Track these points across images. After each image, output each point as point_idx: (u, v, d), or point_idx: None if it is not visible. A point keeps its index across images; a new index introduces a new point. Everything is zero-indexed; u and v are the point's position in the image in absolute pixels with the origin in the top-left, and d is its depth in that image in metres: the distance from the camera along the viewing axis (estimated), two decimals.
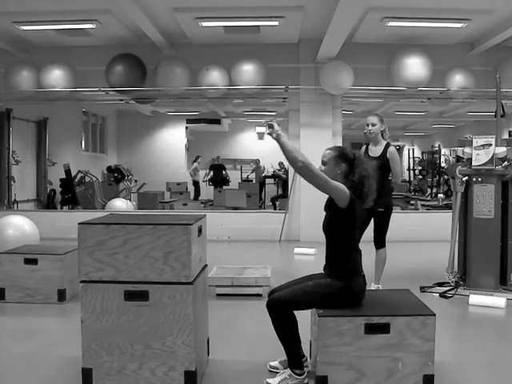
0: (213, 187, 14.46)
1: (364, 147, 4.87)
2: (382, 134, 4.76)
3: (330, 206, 2.90)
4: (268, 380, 2.85)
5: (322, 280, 2.91)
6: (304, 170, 2.67)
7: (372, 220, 4.71)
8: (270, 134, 2.72)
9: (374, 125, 4.71)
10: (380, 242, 4.76)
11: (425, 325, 2.72)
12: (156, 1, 6.45)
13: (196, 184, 15.04)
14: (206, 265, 3.18)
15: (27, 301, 4.56)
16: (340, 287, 2.82)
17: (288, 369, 2.86)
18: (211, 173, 15.40)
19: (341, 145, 5.89)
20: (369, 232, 4.63)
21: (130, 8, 6.33)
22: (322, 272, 3.03)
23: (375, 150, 4.71)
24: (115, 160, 15.41)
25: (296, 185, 8.47)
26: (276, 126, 2.70)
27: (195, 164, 15.28)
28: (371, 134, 4.73)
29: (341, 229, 2.88)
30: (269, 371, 3.04)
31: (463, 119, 15.35)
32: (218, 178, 15.13)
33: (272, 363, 3.08)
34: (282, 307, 2.79)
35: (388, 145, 4.73)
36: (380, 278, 4.81)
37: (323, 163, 2.94)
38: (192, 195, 14.28)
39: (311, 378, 2.85)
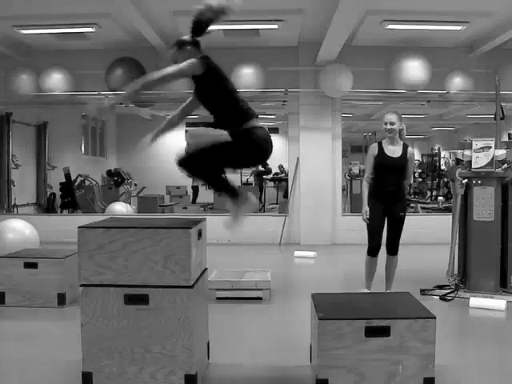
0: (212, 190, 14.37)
1: (376, 145, 4.66)
2: (399, 134, 4.62)
3: (194, 79, 2.98)
4: None
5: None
6: (148, 86, 2.90)
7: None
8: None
9: (392, 123, 4.54)
10: (397, 247, 4.65)
11: (425, 327, 2.72)
12: (156, 4, 6.46)
13: (195, 188, 14.94)
14: (206, 268, 3.18)
15: (27, 305, 4.54)
16: (241, 132, 3.07)
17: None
18: None
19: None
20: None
21: (129, 12, 6.33)
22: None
23: (393, 150, 4.57)
24: (115, 164, 15.39)
25: (296, 188, 8.45)
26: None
27: None
28: (391, 133, 4.56)
29: (212, 88, 3.02)
30: None
31: (463, 122, 15.36)
32: None
33: None
34: (195, 160, 3.03)
35: (406, 145, 4.63)
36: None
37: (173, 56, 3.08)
38: (190, 198, 14.22)
39: (311, 382, 2.84)
